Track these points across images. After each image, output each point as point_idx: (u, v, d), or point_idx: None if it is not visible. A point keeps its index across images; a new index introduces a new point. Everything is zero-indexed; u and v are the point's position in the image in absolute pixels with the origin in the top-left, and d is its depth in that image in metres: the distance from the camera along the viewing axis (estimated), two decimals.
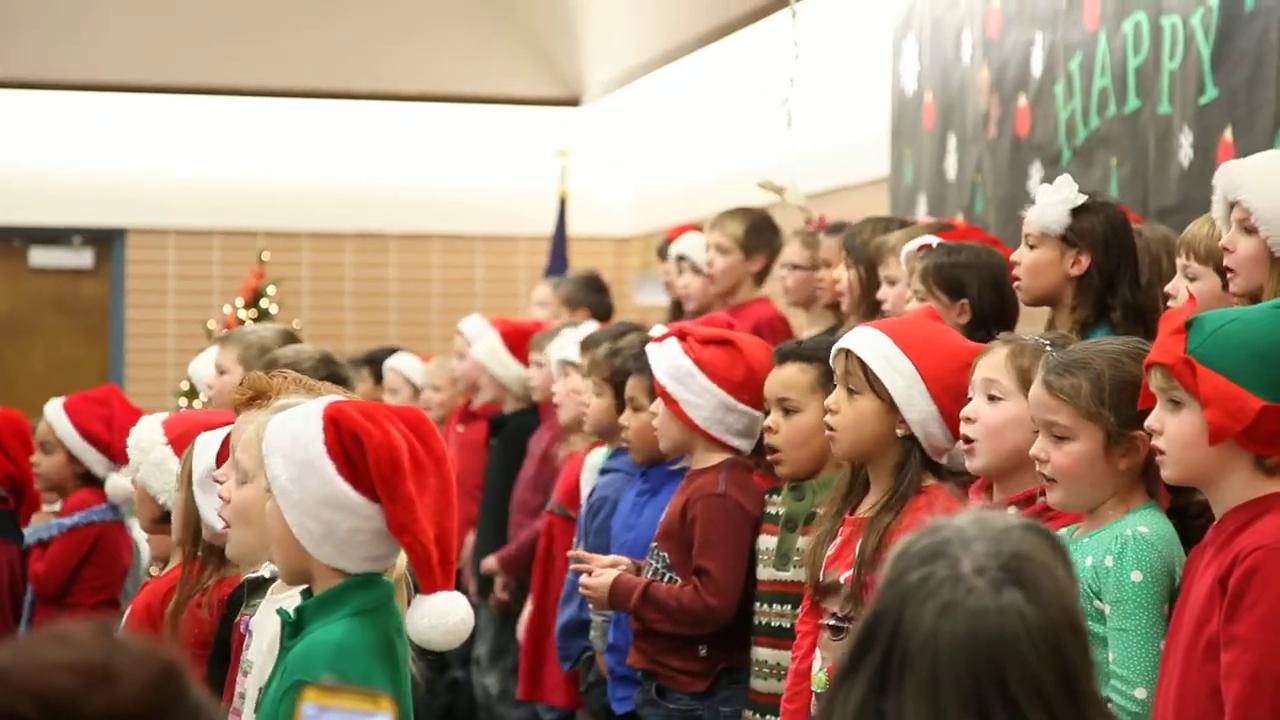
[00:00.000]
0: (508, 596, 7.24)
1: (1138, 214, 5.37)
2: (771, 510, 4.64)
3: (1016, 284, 4.57)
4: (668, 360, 4.81)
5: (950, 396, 3.98)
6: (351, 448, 3.05)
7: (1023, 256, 4.54)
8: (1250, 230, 3.89)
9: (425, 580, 3.12)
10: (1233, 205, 3.93)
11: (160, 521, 4.47)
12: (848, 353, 4.08)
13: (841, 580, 4.01)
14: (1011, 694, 1.94)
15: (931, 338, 4.10)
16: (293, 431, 3.10)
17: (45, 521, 6.16)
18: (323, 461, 3.05)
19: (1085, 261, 4.46)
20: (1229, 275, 3.94)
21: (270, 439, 3.12)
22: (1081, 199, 4.48)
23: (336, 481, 3.05)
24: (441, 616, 3.15)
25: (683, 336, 4.83)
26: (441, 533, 3.11)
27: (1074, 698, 1.97)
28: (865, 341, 4.08)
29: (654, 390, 4.91)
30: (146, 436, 4.49)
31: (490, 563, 7.22)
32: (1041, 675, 1.95)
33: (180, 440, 4.37)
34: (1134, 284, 4.47)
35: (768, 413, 4.56)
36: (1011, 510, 3.77)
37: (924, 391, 4.01)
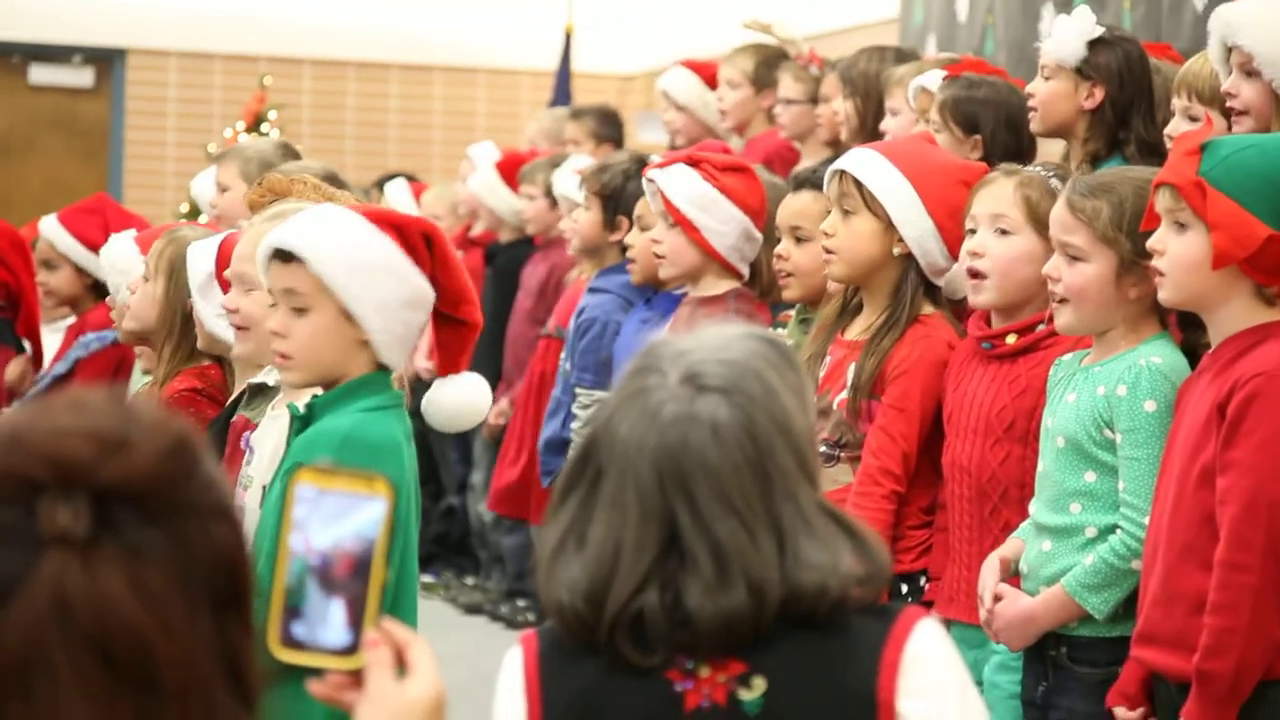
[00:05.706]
0: (503, 423, 7.19)
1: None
2: None
3: (1031, 114, 4.53)
4: (686, 186, 4.67)
5: (946, 213, 3.94)
6: (419, 246, 3.09)
7: (1037, 88, 4.50)
8: (1252, 74, 3.83)
9: (462, 359, 3.25)
10: (1230, 50, 3.86)
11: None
12: (842, 174, 4.04)
13: (834, 405, 4.00)
14: (695, 499, 1.93)
15: (927, 156, 4.07)
16: (346, 239, 3.06)
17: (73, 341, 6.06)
18: (402, 263, 3.07)
19: (1099, 95, 4.41)
20: (1234, 120, 3.89)
21: (320, 249, 3.04)
22: (1098, 31, 4.42)
23: (418, 280, 3.08)
24: (473, 391, 3.31)
25: (695, 163, 4.69)
26: None
27: (771, 502, 1.95)
28: (861, 161, 4.04)
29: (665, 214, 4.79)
30: (121, 255, 4.47)
31: (503, 405, 7.10)
32: (729, 480, 1.94)
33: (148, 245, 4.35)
34: (1149, 119, 4.41)
35: (774, 241, 4.53)
36: (1010, 338, 3.79)
37: (921, 208, 3.96)
